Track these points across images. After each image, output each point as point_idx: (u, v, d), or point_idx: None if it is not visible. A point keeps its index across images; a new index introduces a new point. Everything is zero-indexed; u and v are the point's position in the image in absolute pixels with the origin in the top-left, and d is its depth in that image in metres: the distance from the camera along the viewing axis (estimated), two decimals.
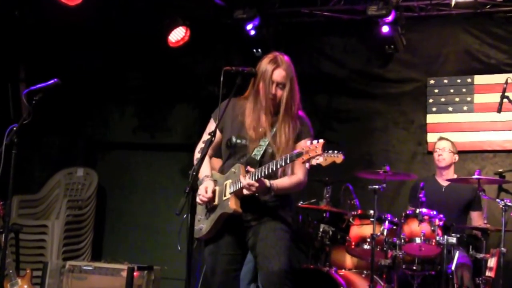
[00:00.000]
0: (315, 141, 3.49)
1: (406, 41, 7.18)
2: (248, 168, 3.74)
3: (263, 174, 3.66)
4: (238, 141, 3.90)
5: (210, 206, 3.88)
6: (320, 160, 3.44)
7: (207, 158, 3.95)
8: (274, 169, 3.65)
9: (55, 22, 7.34)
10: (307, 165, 3.51)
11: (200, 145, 3.96)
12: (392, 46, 7.05)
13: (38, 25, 7.45)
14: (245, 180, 3.67)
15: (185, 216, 3.23)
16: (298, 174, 3.88)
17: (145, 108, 8.34)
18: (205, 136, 3.93)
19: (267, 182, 3.72)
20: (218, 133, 3.94)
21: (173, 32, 7.37)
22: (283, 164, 3.61)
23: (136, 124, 8.36)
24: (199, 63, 8.02)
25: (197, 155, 3.97)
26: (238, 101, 4.01)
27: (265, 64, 3.94)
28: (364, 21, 7.09)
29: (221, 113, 3.75)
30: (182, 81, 8.11)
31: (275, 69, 3.91)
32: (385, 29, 6.85)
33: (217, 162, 4.11)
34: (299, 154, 3.52)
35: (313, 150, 3.46)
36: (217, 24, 7.58)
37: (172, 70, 8.08)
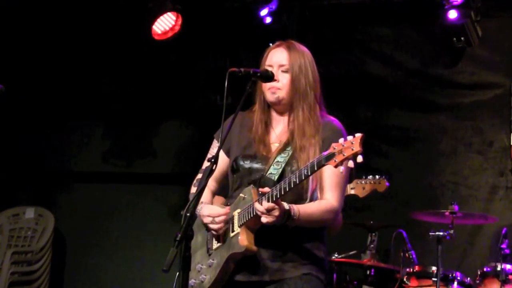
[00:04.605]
0: (350, 137, 3.45)
1: (483, 32, 7.25)
2: (261, 189, 3.69)
3: (283, 192, 3.61)
4: (247, 162, 3.96)
5: (214, 247, 3.91)
6: (360, 159, 3.41)
7: (207, 190, 3.97)
8: (297, 182, 3.59)
9: None
10: (341, 169, 3.46)
11: (200, 176, 4.01)
12: (462, 39, 7.10)
13: None
14: (264, 204, 3.59)
15: (178, 274, 3.26)
16: (328, 199, 3.85)
17: (120, 125, 8.45)
18: (206, 164, 3.92)
19: (285, 205, 3.65)
20: (223, 158, 4.00)
21: (159, 20, 7.47)
22: (308, 173, 3.56)
23: (108, 147, 8.45)
24: (195, 63, 8.09)
25: (193, 190, 4.03)
26: (248, 114, 4.08)
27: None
28: (424, 4, 7.17)
29: (225, 131, 3.75)
30: (172, 87, 8.20)
31: (272, 49, 4.01)
32: (452, 14, 6.90)
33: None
34: (330, 156, 3.46)
35: (348, 147, 3.41)
36: (219, 8, 7.67)
37: (158, 72, 8.18)
